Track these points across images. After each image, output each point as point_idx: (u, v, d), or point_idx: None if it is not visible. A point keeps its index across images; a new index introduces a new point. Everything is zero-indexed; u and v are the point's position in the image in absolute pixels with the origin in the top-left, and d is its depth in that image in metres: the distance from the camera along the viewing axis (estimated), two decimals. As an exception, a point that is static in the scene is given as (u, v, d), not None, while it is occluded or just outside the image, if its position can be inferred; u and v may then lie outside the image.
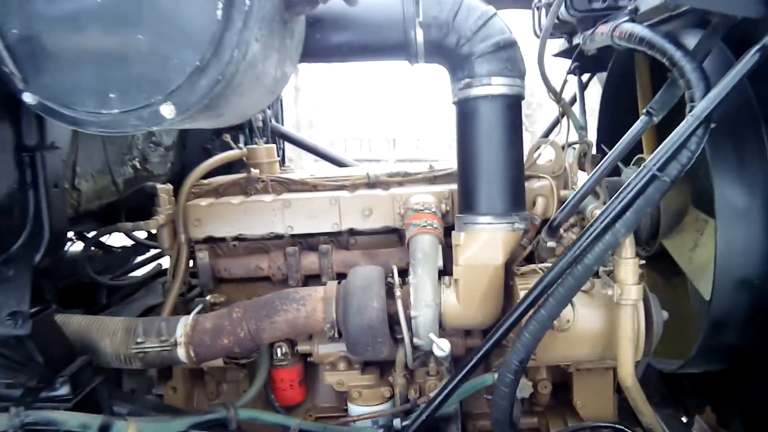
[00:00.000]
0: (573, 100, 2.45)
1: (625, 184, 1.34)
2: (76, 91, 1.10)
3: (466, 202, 1.63)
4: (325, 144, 3.58)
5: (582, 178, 1.83)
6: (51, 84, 1.10)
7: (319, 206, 1.89)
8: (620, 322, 1.43)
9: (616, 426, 1.61)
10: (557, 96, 1.92)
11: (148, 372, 1.97)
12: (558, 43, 2.28)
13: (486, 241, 1.57)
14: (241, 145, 2.49)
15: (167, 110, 1.11)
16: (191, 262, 1.98)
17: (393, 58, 1.66)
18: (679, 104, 1.44)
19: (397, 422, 1.60)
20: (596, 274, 1.49)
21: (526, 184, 1.74)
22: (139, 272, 2.52)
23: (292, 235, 1.92)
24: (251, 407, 1.73)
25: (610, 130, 2.20)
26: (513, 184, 1.60)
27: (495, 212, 1.58)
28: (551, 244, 1.63)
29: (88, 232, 2.11)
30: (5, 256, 1.34)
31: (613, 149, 1.57)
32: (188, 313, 1.68)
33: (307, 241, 1.96)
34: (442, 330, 1.61)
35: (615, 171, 1.86)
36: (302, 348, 1.90)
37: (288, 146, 3.40)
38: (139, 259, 2.56)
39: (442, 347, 1.50)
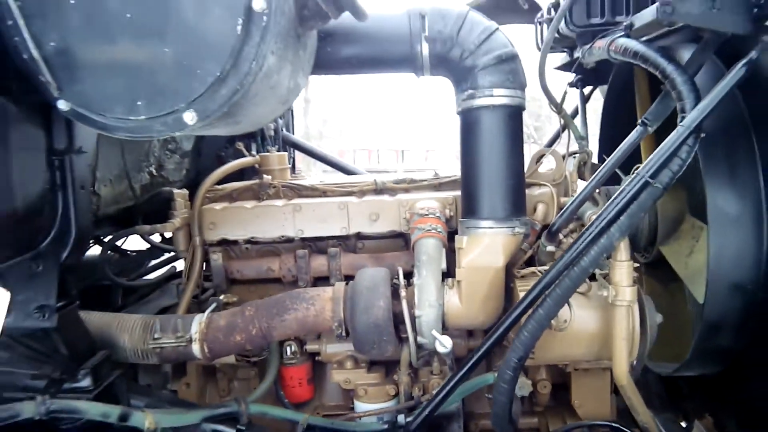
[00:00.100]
0: (576, 112, 2.52)
1: (619, 190, 1.40)
2: (106, 99, 1.18)
3: (469, 207, 1.70)
4: (334, 155, 3.62)
5: (581, 186, 1.89)
6: (83, 92, 1.18)
7: (328, 211, 1.96)
8: (615, 322, 1.48)
9: (613, 424, 1.65)
10: (558, 107, 1.99)
11: (163, 368, 2.03)
12: (560, 57, 2.36)
13: (487, 245, 1.64)
14: (254, 152, 2.57)
15: (189, 117, 1.18)
16: (205, 265, 2.05)
17: (400, 71, 1.74)
18: (675, 115, 1.50)
19: (401, 418, 1.65)
20: (593, 277, 1.55)
21: (528, 191, 1.80)
22: (153, 275, 2.58)
23: (303, 239, 1.98)
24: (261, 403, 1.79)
25: (611, 142, 2.24)
26: (513, 190, 1.66)
27: (496, 217, 1.64)
28: (551, 248, 1.69)
29: (105, 237, 2.18)
30: (35, 252, 1.41)
31: (610, 158, 1.63)
32: (202, 313, 1.75)
33: (316, 245, 2.02)
34: (445, 329, 1.67)
35: (616, 180, 1.92)
36: (311, 347, 1.96)
37: (298, 157, 3.44)
38: (153, 262, 2.62)
39: (444, 344, 1.55)
